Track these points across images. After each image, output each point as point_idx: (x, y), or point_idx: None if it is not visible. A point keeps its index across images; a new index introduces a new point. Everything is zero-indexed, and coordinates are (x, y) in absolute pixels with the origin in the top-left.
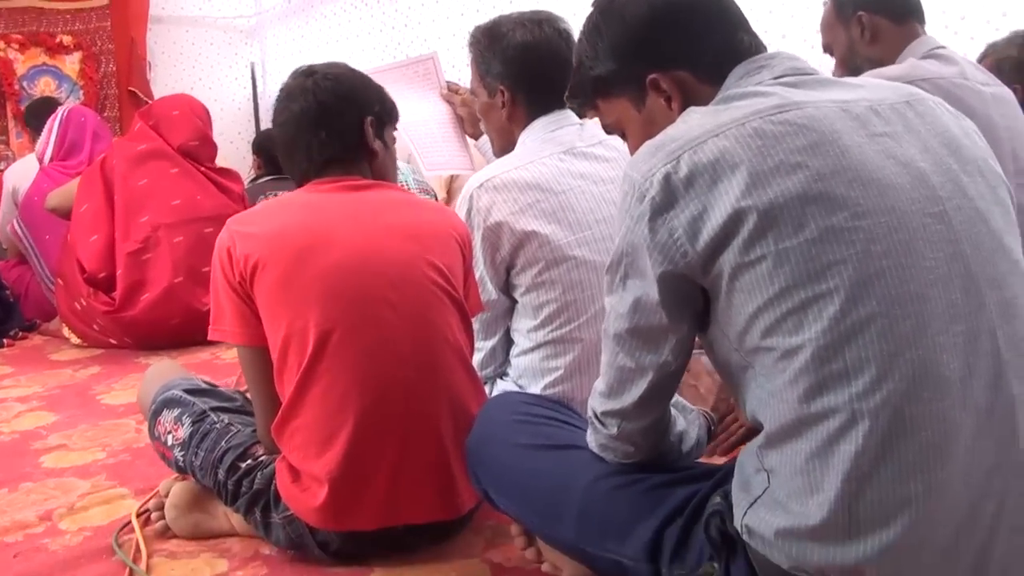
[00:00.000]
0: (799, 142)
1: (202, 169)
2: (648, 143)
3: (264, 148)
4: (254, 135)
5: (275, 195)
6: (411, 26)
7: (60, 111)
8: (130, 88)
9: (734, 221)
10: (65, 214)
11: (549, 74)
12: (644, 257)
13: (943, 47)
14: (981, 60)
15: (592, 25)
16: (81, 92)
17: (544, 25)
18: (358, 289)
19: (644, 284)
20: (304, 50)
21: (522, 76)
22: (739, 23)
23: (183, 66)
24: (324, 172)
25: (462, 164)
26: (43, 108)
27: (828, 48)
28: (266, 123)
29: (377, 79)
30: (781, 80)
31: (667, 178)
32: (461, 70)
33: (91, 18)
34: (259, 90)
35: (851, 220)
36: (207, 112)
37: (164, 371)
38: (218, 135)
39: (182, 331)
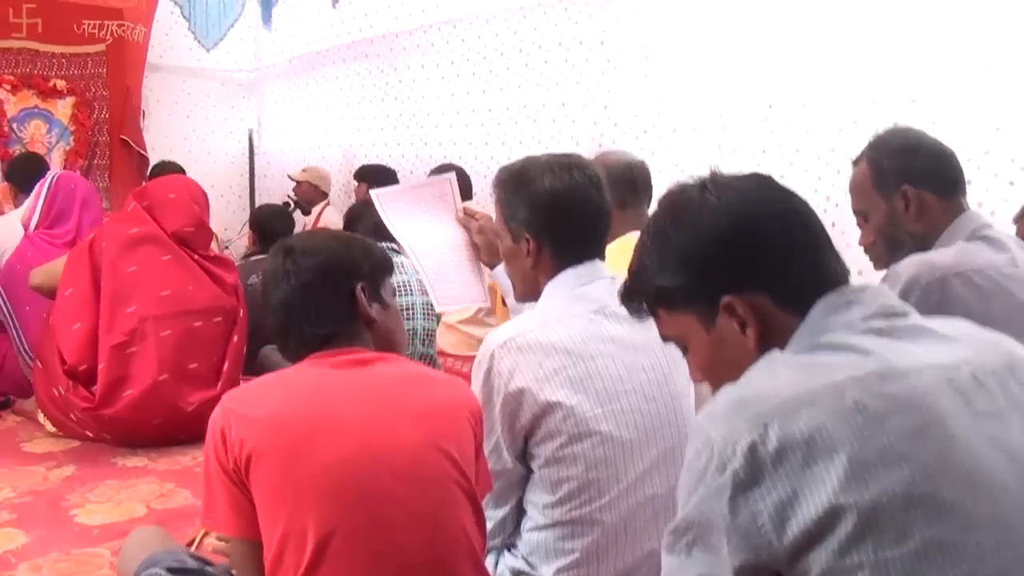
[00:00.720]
0: (904, 425)
1: (196, 257)
2: (730, 395)
3: (260, 225)
4: (247, 188)
5: None
6: (414, 99)
7: (49, 176)
8: (122, 136)
9: (830, 517)
10: (49, 293)
11: (578, 223)
12: (719, 535)
13: (989, 225)
14: (1018, 220)
15: (660, 229)
16: (72, 138)
17: (574, 171)
18: (364, 485)
19: (714, 562)
20: (302, 110)
21: (549, 225)
22: (825, 245)
23: (178, 116)
24: (324, 347)
25: (475, 296)
26: (29, 167)
27: (861, 214)
28: (260, 179)
29: (391, 200)
30: (874, 326)
31: (753, 449)
32: (463, 148)
33: (87, 63)
34: (255, 144)
35: (958, 533)
36: (205, 196)
37: (148, 540)
38: (209, 188)
39: (164, 431)
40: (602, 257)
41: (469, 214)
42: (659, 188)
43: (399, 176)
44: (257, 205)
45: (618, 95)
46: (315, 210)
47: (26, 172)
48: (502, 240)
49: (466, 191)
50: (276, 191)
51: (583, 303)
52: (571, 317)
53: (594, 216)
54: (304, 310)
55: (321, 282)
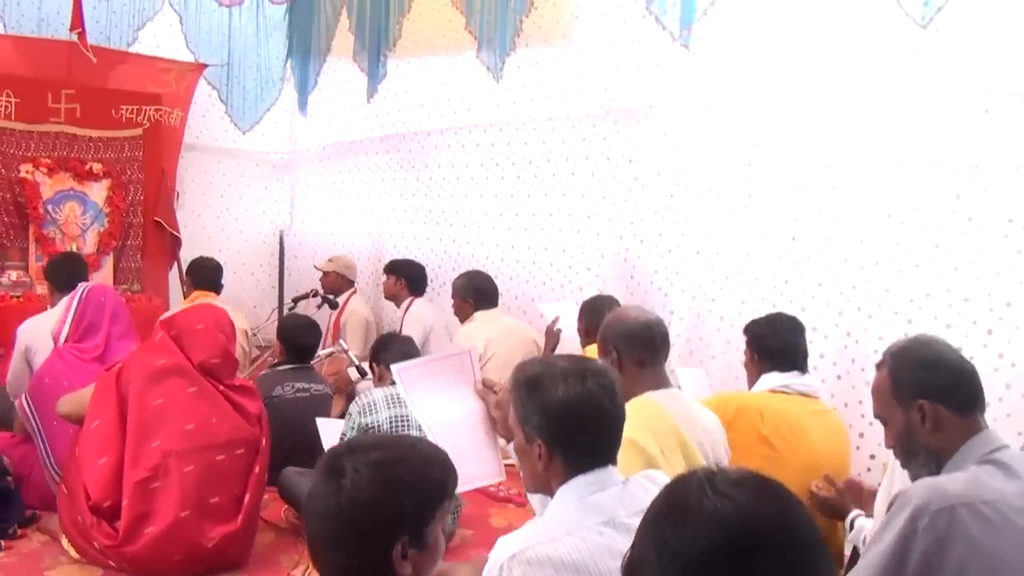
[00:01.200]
0: None
1: (220, 387)
2: None
3: (287, 338)
4: (277, 268)
5: (292, 387)
6: (443, 196)
7: (80, 289)
8: (156, 218)
9: None
10: (77, 421)
11: (590, 432)
12: None
13: (1006, 446)
14: None
15: (658, 528)
16: (106, 219)
17: (589, 379)
18: None
19: None
20: (333, 195)
21: (561, 436)
22: (819, 565)
23: (212, 195)
24: None
25: (492, 472)
26: (70, 269)
27: (881, 419)
28: (291, 260)
29: (411, 377)
30: None
31: None
32: (490, 249)
33: (123, 147)
34: (285, 226)
35: None
36: (232, 326)
37: None
38: (240, 266)
39: (184, 566)
40: (614, 462)
41: (488, 386)
42: (682, 307)
43: (427, 271)
44: (287, 285)
45: (644, 212)
46: (341, 299)
47: (67, 274)
48: (515, 437)
49: (492, 297)
50: (306, 271)
51: (593, 513)
52: (581, 530)
53: (607, 425)
54: (337, 546)
55: (353, 529)
